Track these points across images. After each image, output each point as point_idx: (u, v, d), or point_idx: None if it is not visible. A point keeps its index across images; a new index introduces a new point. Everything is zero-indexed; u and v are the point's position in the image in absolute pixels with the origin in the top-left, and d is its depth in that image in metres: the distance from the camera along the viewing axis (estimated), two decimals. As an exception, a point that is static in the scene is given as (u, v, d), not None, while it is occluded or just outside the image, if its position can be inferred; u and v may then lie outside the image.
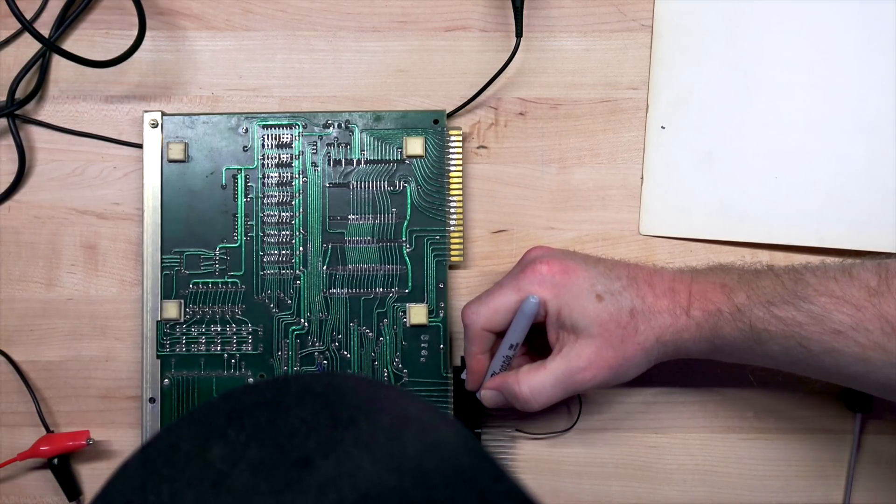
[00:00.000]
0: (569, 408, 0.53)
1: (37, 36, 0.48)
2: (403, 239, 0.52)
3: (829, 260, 0.46)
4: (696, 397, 0.53)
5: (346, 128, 0.52)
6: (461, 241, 0.52)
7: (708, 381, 0.53)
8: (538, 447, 0.53)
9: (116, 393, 0.53)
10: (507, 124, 0.53)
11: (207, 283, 0.52)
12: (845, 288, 0.41)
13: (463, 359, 0.52)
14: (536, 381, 0.45)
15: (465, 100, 0.52)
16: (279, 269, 0.52)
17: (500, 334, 0.47)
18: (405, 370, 0.52)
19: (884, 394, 0.43)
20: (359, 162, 0.52)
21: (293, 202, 0.52)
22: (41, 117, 0.54)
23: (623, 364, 0.44)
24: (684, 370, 0.52)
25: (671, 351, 0.45)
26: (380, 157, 0.52)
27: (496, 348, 0.47)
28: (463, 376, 0.51)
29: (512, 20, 0.52)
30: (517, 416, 0.52)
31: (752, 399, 0.53)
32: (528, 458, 0.53)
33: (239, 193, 0.52)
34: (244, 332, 0.52)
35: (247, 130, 0.52)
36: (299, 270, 0.52)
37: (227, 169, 0.52)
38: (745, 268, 0.45)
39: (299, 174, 0.52)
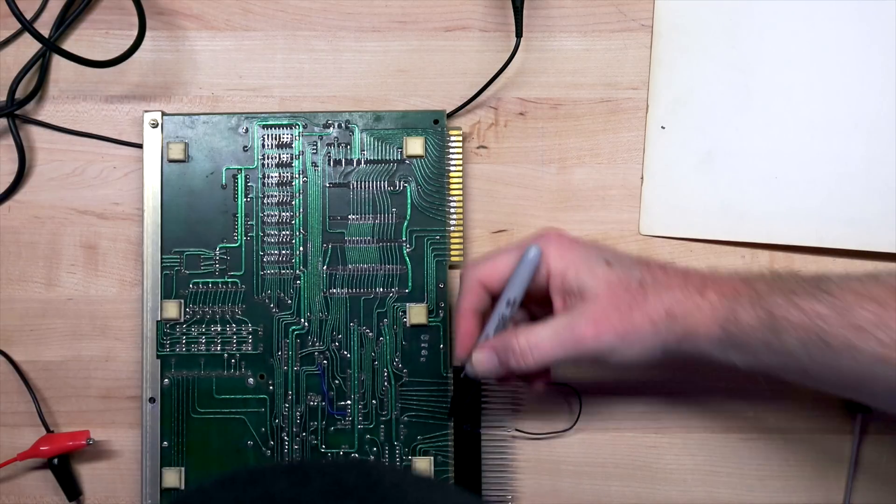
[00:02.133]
0: (570, 406, 0.53)
1: (37, 36, 0.48)
2: (403, 239, 0.52)
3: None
4: (696, 397, 0.53)
5: (346, 128, 0.52)
6: (461, 241, 0.52)
7: (708, 381, 0.53)
8: (538, 447, 0.53)
9: (116, 393, 0.53)
10: (507, 124, 0.53)
11: (207, 283, 0.52)
12: (869, 286, 0.40)
13: (463, 359, 0.52)
14: (535, 335, 0.42)
15: (465, 100, 0.53)
16: (279, 269, 0.52)
17: (495, 300, 0.45)
18: (405, 370, 0.52)
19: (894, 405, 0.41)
20: (359, 162, 0.52)
21: (293, 202, 0.52)
22: (41, 117, 0.54)
23: (630, 331, 0.42)
24: (684, 369, 0.52)
25: (680, 331, 0.42)
26: (380, 157, 0.52)
27: (490, 315, 0.45)
28: (463, 375, 0.51)
29: (512, 20, 0.52)
30: (516, 403, 0.52)
31: (752, 399, 0.53)
32: (528, 458, 0.53)
33: (239, 193, 0.52)
34: (244, 332, 0.52)
35: (247, 130, 0.52)
36: (299, 270, 0.52)
37: (227, 169, 0.52)
38: (765, 272, 0.44)
39: (299, 174, 0.52)
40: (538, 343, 0.42)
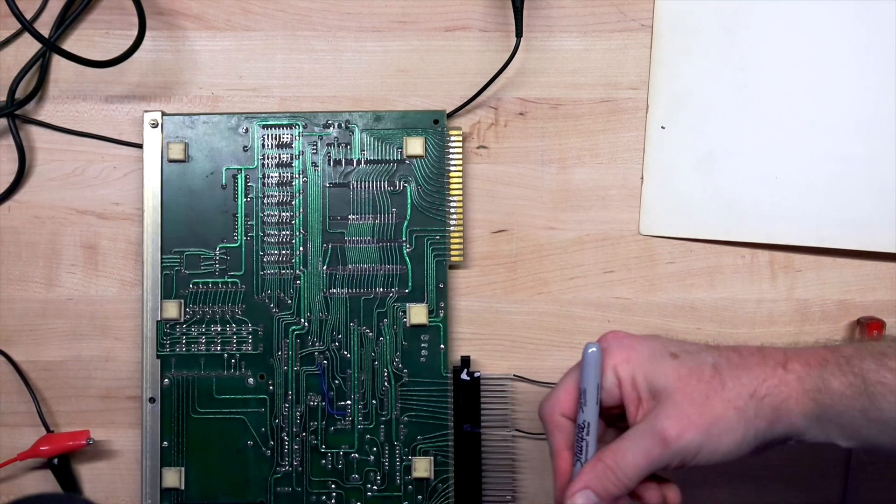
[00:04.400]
0: (569, 408, 0.53)
1: (37, 36, 0.48)
2: (403, 239, 0.52)
3: None
4: (696, 397, 0.53)
5: (346, 128, 0.52)
6: (461, 241, 0.52)
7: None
8: (538, 447, 0.53)
9: (116, 393, 0.53)
10: (507, 124, 0.53)
11: (207, 283, 0.52)
12: None
13: (463, 358, 0.52)
14: (619, 451, 0.39)
15: (465, 100, 0.52)
16: (279, 269, 0.52)
17: None
18: (405, 370, 0.52)
19: None
20: (359, 162, 0.52)
21: (293, 202, 0.52)
22: (41, 117, 0.54)
23: (712, 424, 0.38)
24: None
25: (770, 412, 0.38)
26: (380, 157, 0.52)
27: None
28: (464, 376, 0.51)
29: (512, 20, 0.52)
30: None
31: (752, 399, 0.53)
32: (528, 457, 0.53)
33: (239, 193, 0.52)
34: (244, 332, 0.52)
35: (247, 130, 0.52)
36: (299, 270, 0.52)
37: (227, 169, 0.52)
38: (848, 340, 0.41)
39: (299, 174, 0.52)
40: (625, 458, 0.38)
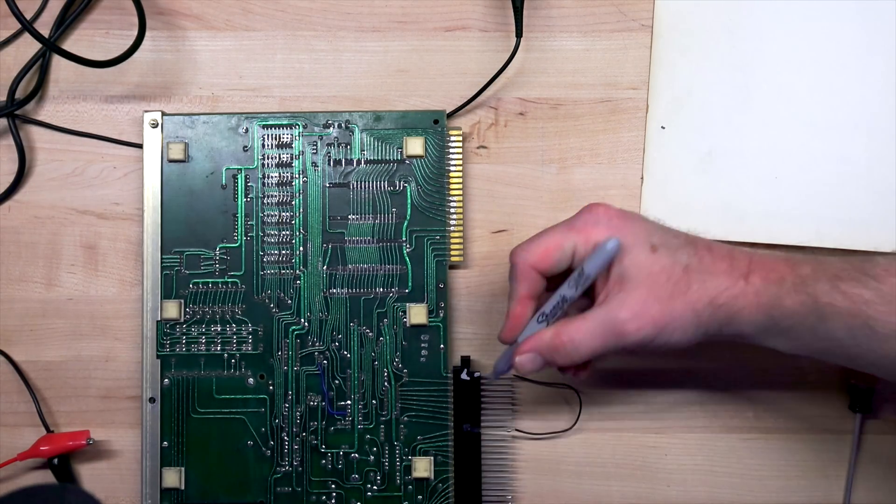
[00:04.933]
0: (570, 406, 0.53)
1: (37, 36, 0.48)
2: (403, 239, 0.52)
3: None
4: (696, 397, 0.53)
5: (346, 128, 0.52)
6: (461, 241, 0.52)
7: (708, 381, 0.53)
8: (538, 447, 0.53)
9: (116, 393, 0.53)
10: (507, 124, 0.53)
11: (207, 283, 0.52)
12: None
13: (463, 358, 0.52)
14: (577, 332, 0.42)
15: (465, 100, 0.53)
16: (279, 269, 0.52)
17: (549, 283, 0.45)
18: (405, 370, 0.52)
19: None
20: (359, 162, 0.52)
21: (293, 202, 0.52)
22: (41, 117, 0.54)
23: (669, 323, 0.41)
24: (685, 368, 0.52)
25: (723, 318, 0.42)
26: (380, 157, 0.52)
27: (541, 302, 0.45)
28: (464, 376, 0.51)
29: (512, 20, 0.52)
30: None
31: (753, 399, 0.53)
32: (528, 458, 0.53)
33: (239, 193, 0.52)
34: (244, 332, 0.52)
35: (247, 130, 0.52)
36: (299, 270, 0.52)
37: (227, 169, 0.52)
38: (809, 256, 0.44)
39: (299, 174, 0.52)
40: (581, 340, 0.42)
